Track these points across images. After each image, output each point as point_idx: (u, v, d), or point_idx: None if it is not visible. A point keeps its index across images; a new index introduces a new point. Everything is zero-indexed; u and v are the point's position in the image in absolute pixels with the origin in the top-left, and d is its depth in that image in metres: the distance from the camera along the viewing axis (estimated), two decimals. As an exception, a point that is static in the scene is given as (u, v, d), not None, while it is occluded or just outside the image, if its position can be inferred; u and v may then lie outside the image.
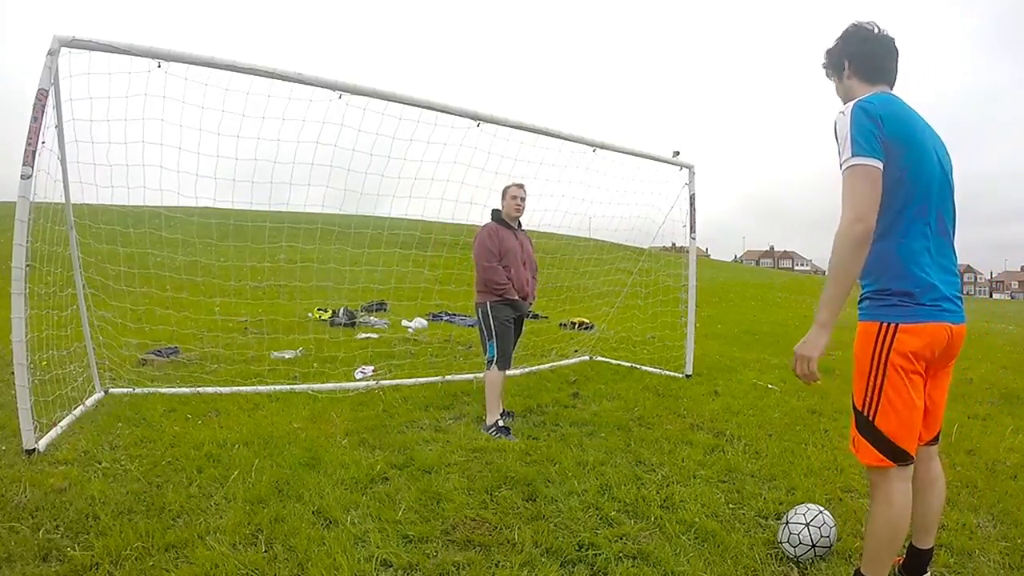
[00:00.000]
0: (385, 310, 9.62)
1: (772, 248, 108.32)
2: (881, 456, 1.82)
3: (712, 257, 59.36)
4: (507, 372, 4.12)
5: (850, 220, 1.71)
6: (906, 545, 2.15)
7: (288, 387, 4.65)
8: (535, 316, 8.61)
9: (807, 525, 2.29)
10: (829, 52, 2.05)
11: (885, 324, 1.80)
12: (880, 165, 1.73)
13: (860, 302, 1.90)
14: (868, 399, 1.83)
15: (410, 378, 5.08)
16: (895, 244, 1.80)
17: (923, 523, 2.06)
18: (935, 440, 2.03)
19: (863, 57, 1.95)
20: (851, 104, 1.80)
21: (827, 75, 2.11)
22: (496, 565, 2.21)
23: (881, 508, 1.85)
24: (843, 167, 1.76)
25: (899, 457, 1.81)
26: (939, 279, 1.81)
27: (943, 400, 2.01)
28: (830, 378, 5.93)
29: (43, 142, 3.08)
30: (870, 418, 1.83)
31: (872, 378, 1.82)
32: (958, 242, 1.95)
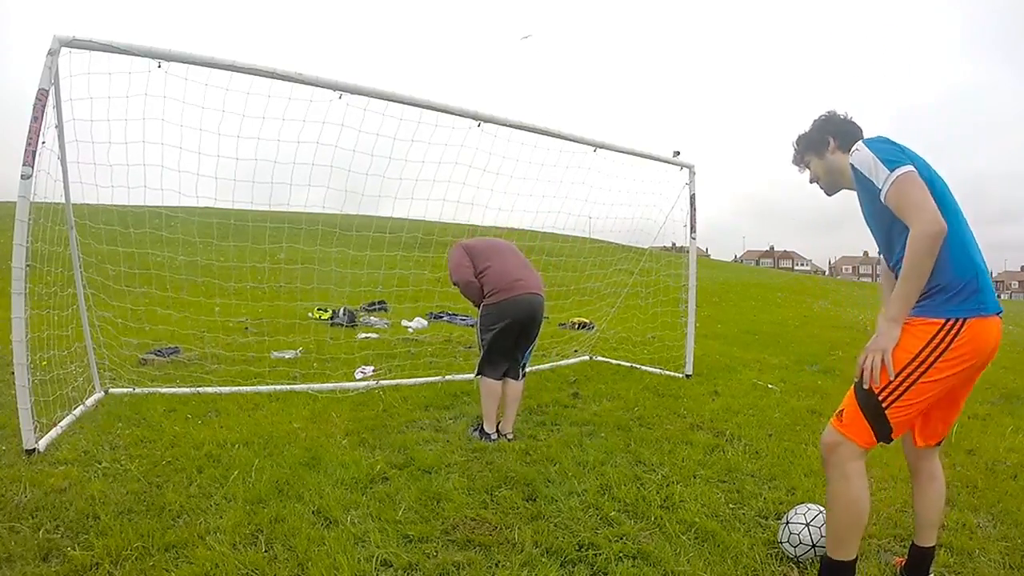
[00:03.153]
0: (386, 310, 9.61)
1: (772, 248, 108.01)
2: (873, 438, 1.86)
3: (712, 257, 59.29)
4: None
5: (927, 221, 1.72)
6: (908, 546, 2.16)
7: (288, 387, 4.64)
8: None
9: (807, 525, 2.29)
10: (806, 136, 2.16)
11: (952, 320, 1.77)
12: (916, 170, 1.79)
13: (920, 300, 1.82)
14: (893, 389, 1.81)
15: (410, 378, 5.08)
16: (952, 233, 1.77)
17: (925, 519, 2.07)
18: (940, 442, 2.06)
19: (845, 132, 2.09)
20: (858, 143, 1.90)
21: (797, 159, 2.21)
22: (496, 565, 2.22)
23: (841, 486, 1.88)
24: (887, 186, 1.79)
25: (886, 440, 1.87)
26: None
27: (962, 404, 2.01)
28: (830, 378, 5.93)
29: (43, 142, 3.08)
30: (884, 405, 1.83)
31: (909, 371, 1.80)
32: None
